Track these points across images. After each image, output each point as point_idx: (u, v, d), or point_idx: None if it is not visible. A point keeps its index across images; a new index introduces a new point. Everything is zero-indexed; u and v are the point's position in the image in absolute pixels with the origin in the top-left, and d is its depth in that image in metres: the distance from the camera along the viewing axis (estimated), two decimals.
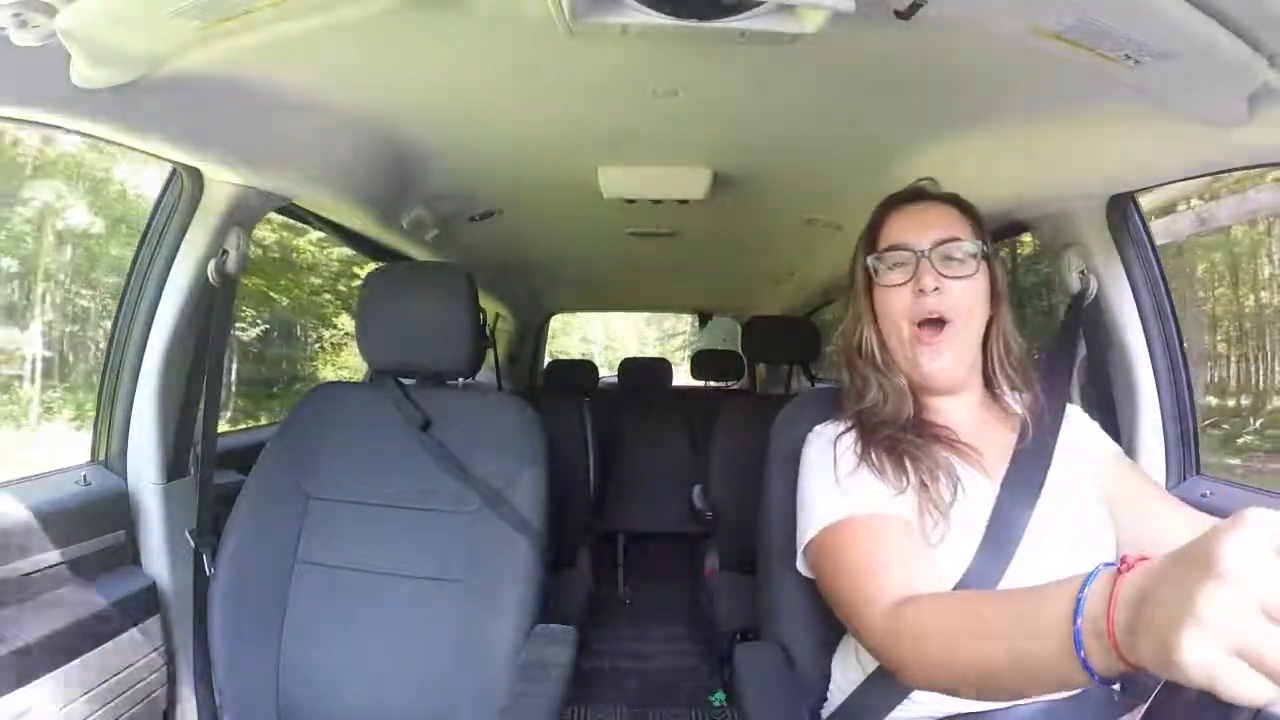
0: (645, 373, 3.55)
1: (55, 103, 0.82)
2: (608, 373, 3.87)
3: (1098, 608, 0.43)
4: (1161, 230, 1.23)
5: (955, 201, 0.89)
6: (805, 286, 2.73)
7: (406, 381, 1.22)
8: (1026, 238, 1.72)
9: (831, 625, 0.86)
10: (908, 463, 0.81)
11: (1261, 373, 1.89)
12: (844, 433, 0.87)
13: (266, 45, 0.84)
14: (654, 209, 1.71)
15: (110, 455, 1.18)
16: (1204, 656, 0.35)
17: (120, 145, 0.96)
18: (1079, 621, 0.45)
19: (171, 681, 1.14)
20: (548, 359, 4.09)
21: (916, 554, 0.73)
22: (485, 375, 1.42)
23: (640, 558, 2.99)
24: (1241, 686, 0.35)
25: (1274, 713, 0.36)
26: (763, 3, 0.75)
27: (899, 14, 0.76)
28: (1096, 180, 1.08)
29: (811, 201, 1.74)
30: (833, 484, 0.82)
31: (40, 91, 0.79)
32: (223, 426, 2.84)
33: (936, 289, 0.82)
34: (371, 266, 1.91)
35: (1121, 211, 1.13)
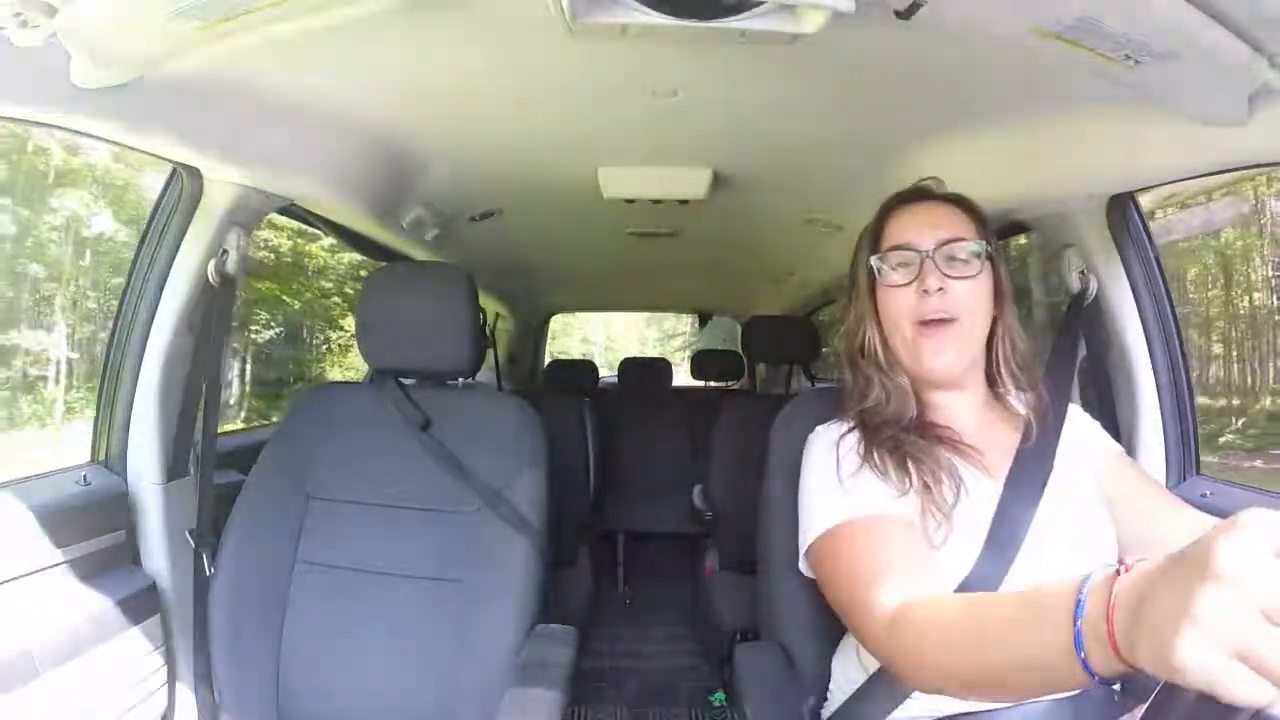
0: (645, 373, 3.55)
1: (55, 103, 0.82)
2: (608, 373, 3.87)
3: (1097, 609, 0.44)
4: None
5: (959, 201, 0.89)
6: (805, 286, 2.73)
7: (406, 381, 1.22)
8: (1020, 240, 1.74)
9: (832, 625, 0.86)
10: (910, 464, 0.81)
11: (1243, 373, 1.91)
12: (846, 433, 0.86)
13: (266, 45, 0.84)
14: (654, 209, 1.71)
15: (110, 455, 1.18)
16: (1202, 659, 0.35)
17: (120, 145, 0.96)
18: (1079, 623, 0.45)
19: (171, 681, 1.14)
20: (548, 359, 4.09)
21: (919, 556, 0.73)
22: (485, 375, 1.42)
23: (640, 557, 2.99)
24: (1240, 688, 0.35)
25: (1274, 713, 0.36)
26: (763, 3, 0.75)
27: (899, 14, 0.76)
28: (1096, 180, 1.08)
29: (811, 201, 1.73)
30: (835, 485, 0.81)
31: (40, 91, 0.79)
32: (237, 425, 2.88)
33: (941, 289, 0.82)
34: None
35: (1121, 211, 1.13)
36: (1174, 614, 0.36)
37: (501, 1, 0.83)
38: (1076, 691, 0.71)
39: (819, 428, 0.91)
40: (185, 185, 1.16)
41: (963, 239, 0.84)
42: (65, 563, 1.02)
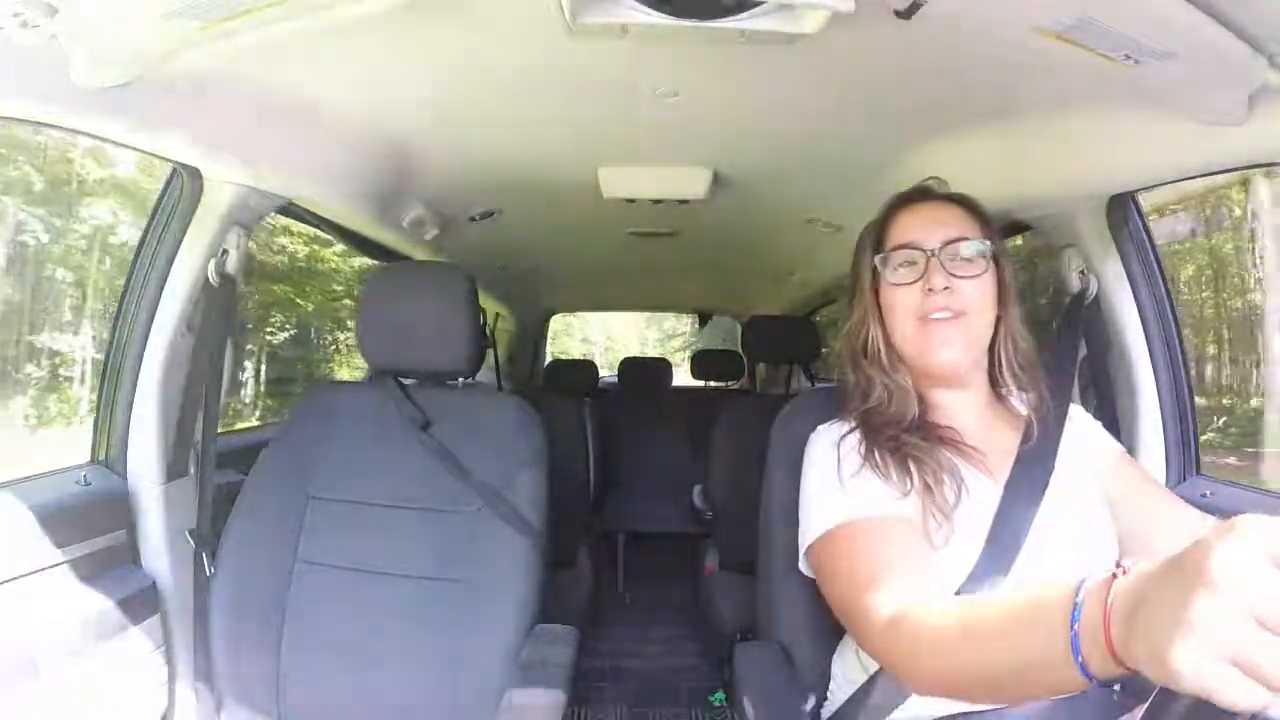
0: (645, 372, 3.55)
1: (55, 102, 0.82)
2: (608, 373, 3.87)
3: (1094, 613, 0.44)
4: None
5: (963, 201, 0.89)
6: (805, 286, 2.73)
7: (406, 381, 1.22)
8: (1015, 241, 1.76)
9: (832, 625, 0.86)
10: (912, 465, 0.80)
11: (1224, 374, 1.94)
12: (848, 433, 0.86)
13: (266, 45, 0.84)
14: (654, 209, 1.71)
15: (110, 455, 1.18)
16: (1197, 664, 0.35)
17: (120, 145, 0.96)
18: (1076, 626, 0.45)
19: (171, 681, 1.14)
20: (549, 359, 4.10)
21: (919, 557, 0.73)
22: (485, 375, 1.42)
23: (640, 557, 2.98)
24: (1235, 693, 0.35)
25: (1270, 716, 0.36)
26: (763, 3, 0.75)
27: (899, 14, 0.76)
28: (1096, 180, 1.08)
29: (811, 201, 1.73)
30: (836, 486, 0.81)
31: (40, 91, 0.79)
32: (252, 422, 2.93)
33: (946, 288, 0.82)
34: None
35: (1121, 211, 1.13)
36: (1169, 619, 0.37)
37: (502, 1, 0.83)
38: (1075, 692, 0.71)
39: (820, 427, 0.91)
40: (185, 185, 1.16)
41: (967, 238, 0.84)
42: (65, 562, 1.01)
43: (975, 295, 0.83)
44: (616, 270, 2.85)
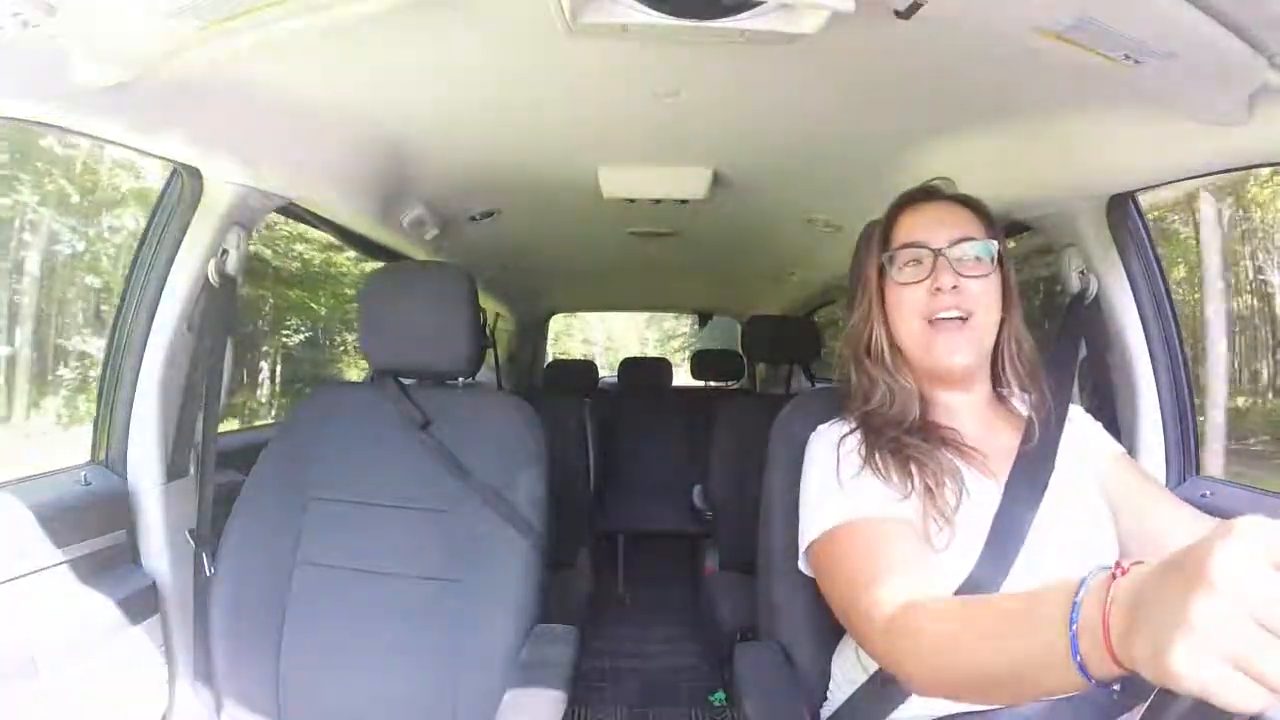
0: (645, 372, 3.55)
1: (55, 103, 0.82)
2: (608, 373, 3.87)
3: (1093, 613, 0.44)
4: None
5: (969, 202, 0.89)
6: (805, 286, 2.73)
7: (406, 381, 1.22)
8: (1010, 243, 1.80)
9: (832, 625, 0.86)
10: (913, 467, 0.80)
11: (1204, 374, 1.98)
12: (848, 434, 0.86)
13: (266, 45, 0.84)
14: (654, 209, 1.71)
15: (110, 455, 1.18)
16: (1197, 665, 0.35)
17: (120, 145, 0.96)
18: (1075, 627, 0.45)
19: (171, 681, 1.14)
20: (550, 359, 4.10)
21: (918, 558, 0.73)
22: (485, 375, 1.42)
23: (640, 558, 2.98)
24: (1235, 695, 0.35)
25: (1270, 717, 0.36)
26: (763, 3, 0.75)
27: (899, 14, 0.76)
28: (1096, 180, 1.08)
29: (811, 201, 1.73)
30: (836, 486, 0.81)
31: (40, 91, 0.79)
32: (267, 422, 2.99)
33: (955, 288, 0.82)
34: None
35: (1121, 211, 1.13)
36: (1169, 621, 0.37)
37: (502, 1, 0.83)
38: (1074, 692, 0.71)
39: (820, 427, 0.91)
40: (185, 185, 1.16)
41: (974, 238, 0.84)
42: (66, 562, 1.02)
43: (982, 295, 0.83)
44: (616, 270, 2.85)
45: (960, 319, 0.83)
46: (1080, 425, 0.92)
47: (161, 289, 1.16)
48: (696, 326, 4.65)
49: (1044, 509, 0.80)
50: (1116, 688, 0.74)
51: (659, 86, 1.08)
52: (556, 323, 4.28)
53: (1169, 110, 0.85)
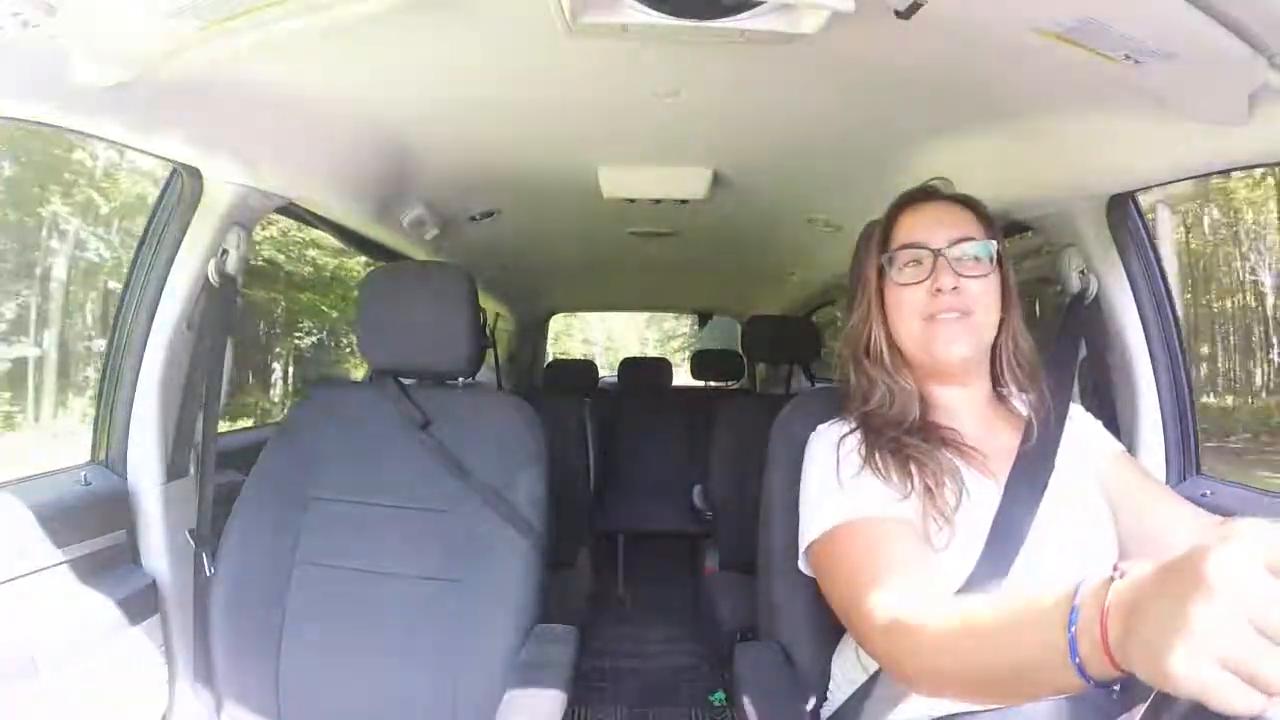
0: (645, 372, 3.55)
1: (55, 102, 0.82)
2: (608, 373, 3.87)
3: (1091, 616, 0.44)
4: None
5: (968, 202, 0.89)
6: (805, 286, 2.74)
7: (406, 381, 1.22)
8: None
9: (832, 625, 0.86)
10: (913, 468, 0.80)
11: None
12: (848, 434, 0.86)
13: (266, 45, 0.84)
14: (654, 209, 1.71)
15: (110, 455, 1.18)
16: (1194, 669, 0.36)
17: (120, 145, 0.96)
18: (1073, 629, 0.45)
19: (171, 681, 1.14)
20: (550, 359, 4.10)
21: (918, 559, 0.73)
22: (485, 375, 1.42)
23: (640, 558, 2.98)
24: (1232, 698, 0.35)
25: (1269, 718, 0.36)
26: (763, 3, 0.75)
27: (899, 14, 0.76)
28: (1096, 180, 1.08)
29: (811, 201, 1.74)
30: (835, 487, 0.81)
31: (40, 91, 0.79)
32: (278, 421, 3.09)
33: (954, 288, 0.82)
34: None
35: (1121, 211, 1.13)
36: (1167, 625, 0.37)
37: (502, 1, 0.83)
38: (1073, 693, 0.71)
39: (820, 427, 0.91)
40: (185, 185, 1.16)
41: (973, 238, 0.84)
42: (66, 562, 1.01)
43: (982, 295, 0.83)
44: (616, 270, 2.85)
45: (961, 315, 0.83)
46: (1080, 424, 0.92)
47: (161, 289, 1.16)
48: (696, 327, 4.66)
49: (1044, 509, 0.80)
50: (1116, 688, 0.74)
51: (659, 86, 1.08)
52: (557, 323, 4.29)
53: (1169, 110, 0.85)
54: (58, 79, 0.76)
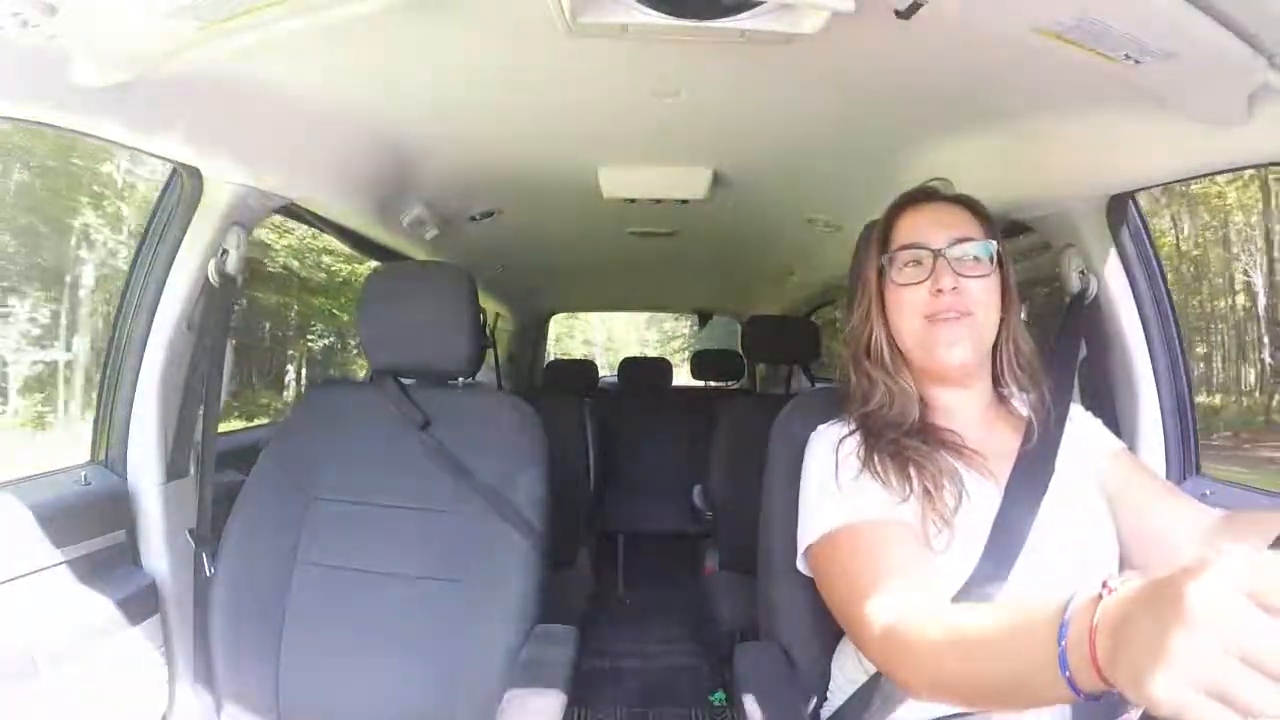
0: (645, 372, 3.55)
1: (55, 102, 0.82)
2: (608, 373, 3.87)
3: (1080, 631, 0.45)
4: None
5: (968, 202, 0.88)
6: (805, 286, 2.74)
7: (406, 381, 1.22)
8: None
9: (832, 625, 0.86)
10: (912, 470, 0.80)
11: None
12: (847, 436, 0.86)
13: (266, 45, 0.84)
14: (654, 209, 1.71)
15: (110, 455, 1.18)
16: (1176, 694, 0.37)
17: (120, 145, 0.96)
18: (1063, 643, 0.46)
19: (171, 681, 1.14)
20: (551, 359, 4.10)
21: (916, 563, 0.73)
22: (485, 375, 1.42)
23: (640, 558, 2.98)
24: None
25: None
26: (763, 3, 0.75)
27: (899, 14, 0.76)
28: (1096, 180, 1.08)
29: (811, 201, 1.74)
30: (834, 489, 0.81)
31: (40, 91, 0.79)
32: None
33: (955, 289, 0.82)
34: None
35: (1121, 211, 1.13)
36: (1149, 650, 0.38)
37: (502, 1, 0.83)
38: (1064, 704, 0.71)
39: (820, 427, 0.91)
40: (185, 185, 1.16)
41: (973, 239, 0.84)
42: (65, 563, 1.02)
43: (982, 295, 0.83)
44: (616, 270, 2.85)
45: (961, 315, 0.83)
46: (1081, 424, 0.92)
47: (161, 289, 1.16)
48: (696, 328, 4.66)
49: (1044, 510, 0.80)
50: (1115, 695, 0.75)
51: (659, 86, 1.08)
52: (558, 325, 4.30)
53: (1169, 110, 0.85)
54: (58, 79, 0.76)
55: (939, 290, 0.82)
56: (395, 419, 1.17)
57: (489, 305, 2.72)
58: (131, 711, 1.07)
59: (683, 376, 3.86)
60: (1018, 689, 0.53)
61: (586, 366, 3.57)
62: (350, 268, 4.48)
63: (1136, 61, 0.75)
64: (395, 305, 1.19)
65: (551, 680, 0.96)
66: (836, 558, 0.77)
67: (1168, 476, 1.14)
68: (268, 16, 0.77)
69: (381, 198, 1.47)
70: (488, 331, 1.25)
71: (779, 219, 1.90)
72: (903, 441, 0.83)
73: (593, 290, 3.54)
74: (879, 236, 0.89)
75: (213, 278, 1.17)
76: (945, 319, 0.82)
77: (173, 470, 1.19)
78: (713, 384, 3.52)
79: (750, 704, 0.92)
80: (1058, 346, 1.11)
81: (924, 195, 0.90)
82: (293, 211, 1.42)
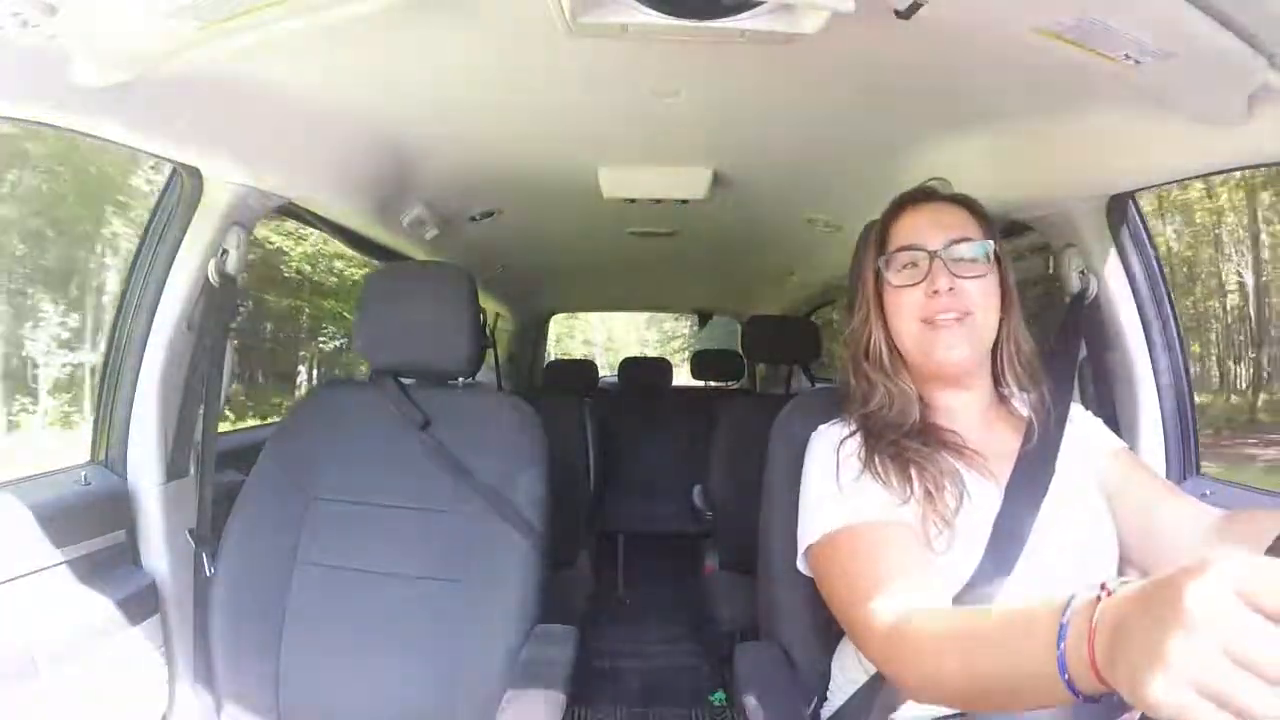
0: (645, 372, 3.55)
1: (55, 102, 0.81)
2: (608, 373, 3.87)
3: (1079, 634, 0.45)
4: None
5: (965, 202, 0.88)
6: (805, 286, 2.74)
7: (406, 381, 1.22)
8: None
9: (831, 625, 0.86)
10: (913, 471, 0.80)
11: None
12: (848, 437, 0.86)
13: (266, 45, 0.84)
14: (654, 209, 1.71)
15: (110, 455, 1.18)
16: (1173, 697, 0.37)
17: (120, 145, 0.96)
18: (1062, 645, 0.46)
19: (171, 681, 1.14)
20: (553, 360, 4.10)
21: (917, 564, 0.73)
22: (485, 375, 1.42)
23: (640, 558, 2.98)
24: None
25: None
26: (763, 2, 0.75)
27: (899, 14, 0.76)
28: (1096, 180, 1.08)
29: (811, 201, 1.74)
30: (835, 490, 0.81)
31: (40, 91, 0.79)
32: None
33: (951, 290, 0.81)
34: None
35: (1121, 211, 1.13)
36: (1146, 653, 0.38)
37: (502, 1, 0.83)
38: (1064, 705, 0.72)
39: (821, 428, 0.91)
40: (185, 185, 1.16)
41: (970, 239, 0.83)
42: (65, 562, 1.01)
43: (979, 295, 0.82)
44: (616, 270, 2.85)
45: (959, 316, 0.83)
46: (1081, 424, 0.92)
47: (161, 289, 1.16)
48: (696, 328, 4.66)
49: (1045, 510, 0.80)
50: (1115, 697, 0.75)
51: (659, 86, 1.08)
52: (559, 325, 4.29)
53: (1169, 110, 0.85)
54: (58, 79, 0.76)
55: (935, 292, 0.82)
56: (395, 419, 1.17)
57: (489, 305, 2.72)
58: (131, 711, 1.07)
59: (683, 376, 3.86)
60: (1017, 690, 0.53)
61: (586, 366, 3.57)
62: (362, 273, 4.69)
63: (1136, 61, 0.75)
64: (395, 305, 1.19)
65: (551, 680, 0.96)
66: (837, 558, 0.77)
67: (1168, 476, 1.14)
68: (268, 16, 0.77)
69: (381, 198, 1.47)
70: (488, 331, 1.25)
71: (779, 219, 1.90)
72: (903, 442, 0.83)
73: (593, 290, 3.54)
74: (876, 238, 0.89)
75: (213, 278, 1.17)
76: (942, 322, 0.82)
77: (173, 470, 1.19)
78: (713, 384, 3.52)
79: (750, 704, 0.92)
80: (1058, 346, 1.11)
81: (921, 195, 0.90)
82: (292, 211, 1.42)
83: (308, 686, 1.08)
